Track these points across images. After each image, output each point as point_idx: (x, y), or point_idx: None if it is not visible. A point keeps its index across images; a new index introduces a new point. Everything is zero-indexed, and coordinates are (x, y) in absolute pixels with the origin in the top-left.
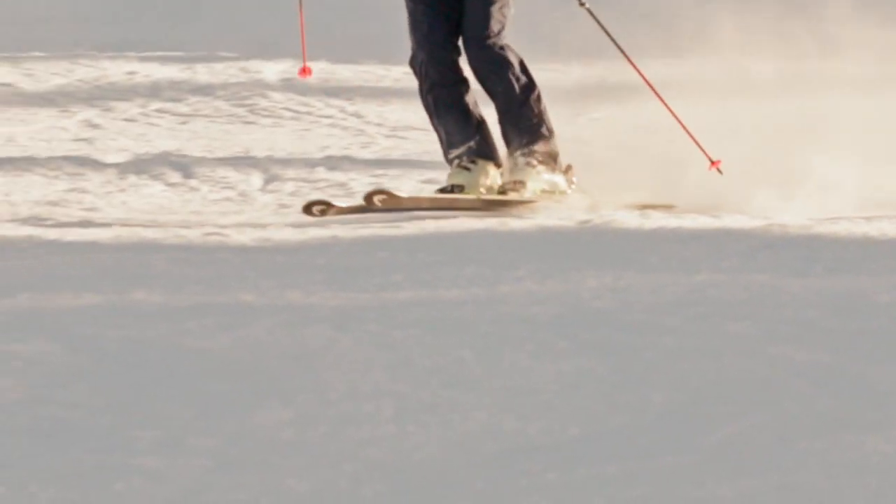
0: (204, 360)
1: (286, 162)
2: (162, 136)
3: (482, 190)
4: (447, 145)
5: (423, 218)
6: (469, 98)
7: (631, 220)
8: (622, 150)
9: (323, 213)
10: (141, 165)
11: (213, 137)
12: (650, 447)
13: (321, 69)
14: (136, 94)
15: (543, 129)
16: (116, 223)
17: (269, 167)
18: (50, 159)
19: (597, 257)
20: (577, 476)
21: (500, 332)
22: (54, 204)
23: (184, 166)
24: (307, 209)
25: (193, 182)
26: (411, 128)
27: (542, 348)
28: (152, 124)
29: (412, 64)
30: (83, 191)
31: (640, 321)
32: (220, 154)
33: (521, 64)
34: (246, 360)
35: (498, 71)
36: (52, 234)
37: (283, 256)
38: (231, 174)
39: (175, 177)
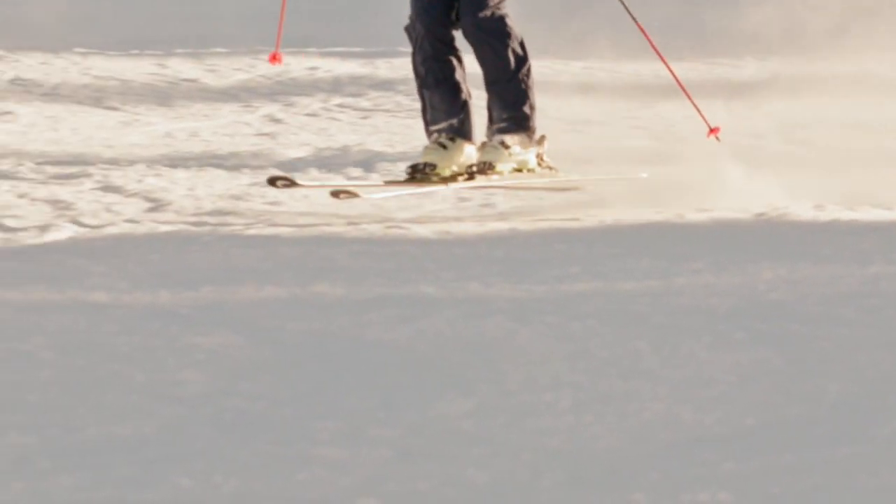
0: (385, 351)
1: None
2: (343, 130)
3: (454, 168)
4: (430, 119)
5: (601, 209)
6: (459, 74)
7: (805, 212)
8: (797, 144)
9: (287, 186)
10: (322, 160)
11: (393, 132)
12: (826, 437)
13: None
14: (317, 89)
15: (526, 107)
16: (298, 217)
17: None
18: (233, 154)
19: (772, 249)
20: (754, 466)
21: (676, 323)
22: (237, 198)
23: (365, 161)
24: (272, 182)
25: (374, 176)
26: (590, 122)
27: (718, 340)
28: (334, 119)
29: (408, 31)
30: (266, 185)
31: (816, 313)
32: (401, 148)
33: (518, 37)
34: (426, 351)
35: (491, 41)
36: (235, 227)
37: (461, 249)
38: None
39: (356, 171)
